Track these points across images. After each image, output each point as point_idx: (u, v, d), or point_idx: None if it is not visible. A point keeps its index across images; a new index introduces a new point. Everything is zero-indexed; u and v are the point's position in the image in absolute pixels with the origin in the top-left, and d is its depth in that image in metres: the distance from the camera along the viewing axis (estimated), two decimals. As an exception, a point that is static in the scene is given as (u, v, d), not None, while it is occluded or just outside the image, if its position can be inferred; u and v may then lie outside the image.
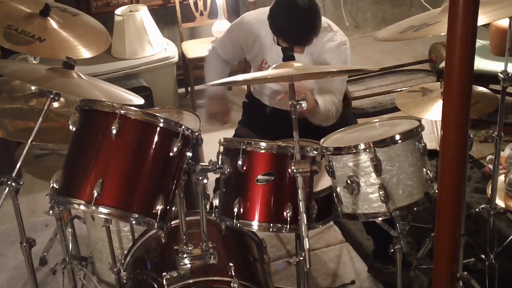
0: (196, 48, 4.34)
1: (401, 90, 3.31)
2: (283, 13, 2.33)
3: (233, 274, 1.79)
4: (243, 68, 4.14)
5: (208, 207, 1.93)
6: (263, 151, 1.82)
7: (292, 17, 2.30)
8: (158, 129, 1.75)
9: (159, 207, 1.75)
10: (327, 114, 2.42)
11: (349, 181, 1.84)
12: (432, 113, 2.14)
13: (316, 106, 2.36)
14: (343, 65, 2.50)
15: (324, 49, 2.48)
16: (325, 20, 2.47)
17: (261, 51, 2.57)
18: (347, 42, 2.52)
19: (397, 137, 1.83)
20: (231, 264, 1.83)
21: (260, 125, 2.63)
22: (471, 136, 2.13)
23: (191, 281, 1.80)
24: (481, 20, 1.63)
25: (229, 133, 2.58)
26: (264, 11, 2.47)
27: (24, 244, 2.08)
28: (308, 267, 1.60)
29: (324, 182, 2.02)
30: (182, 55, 4.42)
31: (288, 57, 1.89)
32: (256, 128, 2.64)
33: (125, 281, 1.99)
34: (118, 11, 4.08)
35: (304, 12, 2.30)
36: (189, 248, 1.84)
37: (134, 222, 1.80)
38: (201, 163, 1.79)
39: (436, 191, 1.80)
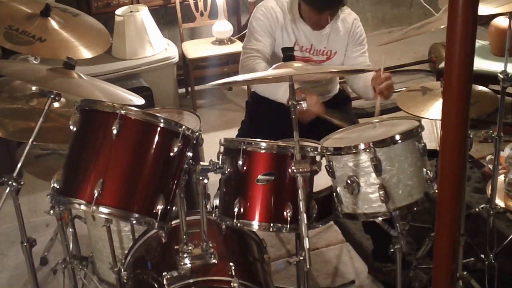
0: (196, 49, 4.34)
1: (401, 90, 3.30)
2: None
3: (234, 274, 1.79)
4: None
5: (209, 207, 1.93)
6: (263, 151, 1.82)
7: None
8: (159, 129, 1.75)
9: (159, 207, 1.75)
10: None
11: (349, 181, 1.84)
12: (432, 113, 2.15)
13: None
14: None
15: (354, 24, 2.62)
16: None
17: (294, 33, 2.56)
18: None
19: (397, 137, 1.83)
20: (231, 263, 1.83)
21: (263, 125, 2.62)
22: (471, 136, 2.13)
23: (191, 280, 1.80)
24: (484, 10, 1.61)
25: (230, 133, 2.58)
26: None
27: (25, 244, 2.09)
28: (308, 267, 1.60)
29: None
30: (182, 55, 4.42)
31: (288, 57, 1.90)
32: (259, 128, 2.62)
33: (125, 281, 1.99)
34: (118, 11, 4.09)
35: None
36: (190, 248, 1.85)
37: (134, 222, 1.80)
38: (202, 163, 1.80)
39: (436, 191, 1.81)
